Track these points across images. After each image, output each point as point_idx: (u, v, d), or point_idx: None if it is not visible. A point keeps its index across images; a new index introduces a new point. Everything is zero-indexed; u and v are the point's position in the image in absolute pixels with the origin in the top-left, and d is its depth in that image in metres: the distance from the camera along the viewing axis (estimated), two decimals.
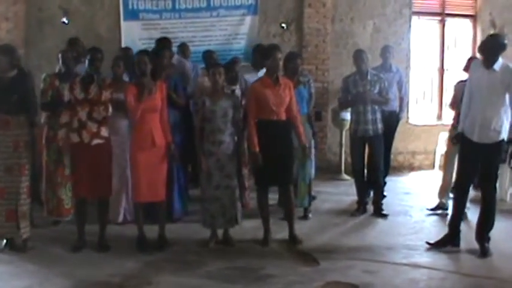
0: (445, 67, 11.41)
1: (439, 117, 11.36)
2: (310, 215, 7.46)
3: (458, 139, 6.23)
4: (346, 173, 10.02)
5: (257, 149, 6.22)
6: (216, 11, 10.48)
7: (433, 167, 10.61)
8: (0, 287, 5.12)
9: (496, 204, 6.20)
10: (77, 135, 6.03)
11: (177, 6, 10.42)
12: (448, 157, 7.76)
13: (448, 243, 6.24)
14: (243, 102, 6.83)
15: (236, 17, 10.51)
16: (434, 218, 7.60)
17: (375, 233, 6.98)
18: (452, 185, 7.38)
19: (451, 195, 7.03)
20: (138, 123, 6.16)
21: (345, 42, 10.71)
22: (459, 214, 6.31)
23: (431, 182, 9.15)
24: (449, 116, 8.80)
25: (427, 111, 11.51)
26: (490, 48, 5.90)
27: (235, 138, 6.36)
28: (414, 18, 11.15)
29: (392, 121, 8.35)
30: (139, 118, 6.10)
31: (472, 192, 7.59)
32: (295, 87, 6.72)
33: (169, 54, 7.37)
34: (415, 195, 8.94)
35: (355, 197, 7.91)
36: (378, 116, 7.57)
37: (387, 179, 8.52)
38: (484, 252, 6.03)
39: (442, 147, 9.76)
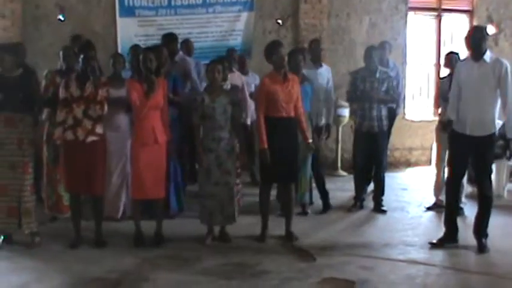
0: (441, 63, 11.39)
1: (436, 113, 11.35)
2: (309, 211, 7.47)
3: (449, 125, 6.18)
4: (342, 169, 10.03)
5: (265, 146, 6.20)
6: (212, 7, 10.47)
7: (430, 163, 10.55)
8: None
9: (492, 198, 6.19)
10: (71, 132, 6.00)
11: (173, 3, 10.41)
12: (439, 154, 7.75)
13: (448, 240, 6.22)
14: None
15: (232, 13, 10.51)
16: (431, 213, 7.62)
17: (371, 229, 6.99)
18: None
19: None
20: (141, 120, 6.15)
21: (341, 38, 10.72)
22: (453, 210, 6.30)
23: (428, 178, 9.15)
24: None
25: (423, 107, 11.52)
26: (478, 39, 5.92)
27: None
28: (410, 13, 11.15)
29: (389, 117, 8.34)
30: (142, 116, 6.11)
31: (468, 188, 7.64)
32: (300, 84, 6.68)
33: (166, 51, 7.30)
34: (412, 191, 8.96)
35: (351, 193, 7.93)
36: (384, 112, 7.60)
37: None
38: (481, 248, 6.02)
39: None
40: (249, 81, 8.75)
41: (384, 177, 7.86)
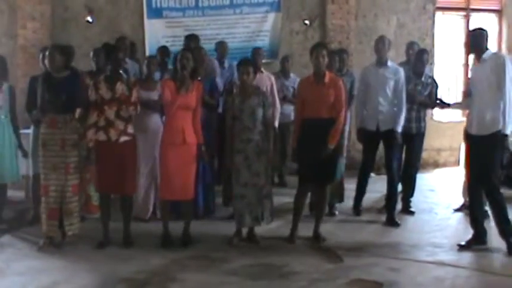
0: (469, 63, 11.29)
1: (464, 113, 11.25)
2: (336, 213, 7.47)
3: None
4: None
5: (294, 145, 6.34)
6: (239, 8, 10.52)
7: (458, 163, 10.48)
8: (28, 282, 5.17)
9: (502, 196, 6.09)
10: (103, 133, 6.05)
11: (200, 4, 10.48)
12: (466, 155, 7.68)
13: (477, 242, 6.16)
14: None
15: (259, 14, 10.54)
16: (460, 215, 7.55)
17: (399, 230, 6.95)
18: None
19: None
20: (170, 119, 6.17)
21: (369, 38, 10.64)
22: (477, 212, 6.22)
23: (457, 179, 9.07)
24: None
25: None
26: (474, 42, 6.01)
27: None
28: (438, 13, 11.07)
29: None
30: (172, 114, 6.13)
31: None
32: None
33: (205, 51, 7.28)
34: (440, 193, 8.91)
35: (380, 194, 7.89)
36: (422, 114, 7.58)
37: None
38: (511, 249, 5.95)
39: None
40: (288, 84, 8.84)
41: (415, 178, 7.81)
